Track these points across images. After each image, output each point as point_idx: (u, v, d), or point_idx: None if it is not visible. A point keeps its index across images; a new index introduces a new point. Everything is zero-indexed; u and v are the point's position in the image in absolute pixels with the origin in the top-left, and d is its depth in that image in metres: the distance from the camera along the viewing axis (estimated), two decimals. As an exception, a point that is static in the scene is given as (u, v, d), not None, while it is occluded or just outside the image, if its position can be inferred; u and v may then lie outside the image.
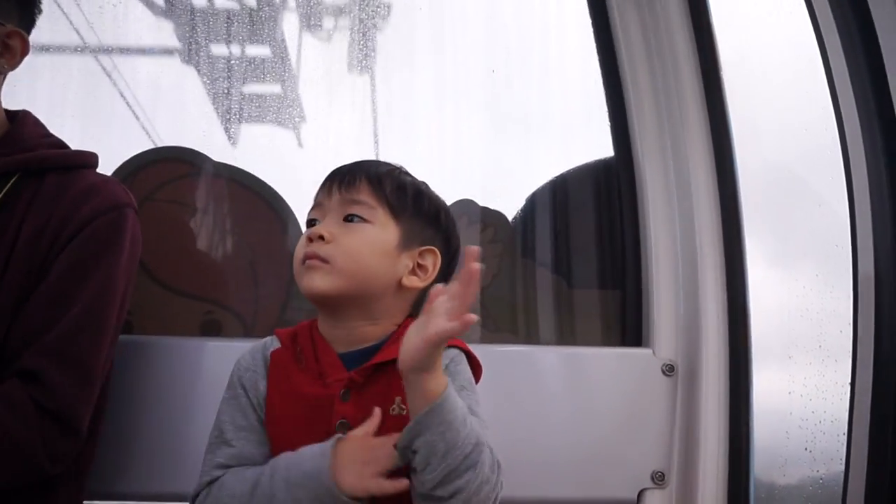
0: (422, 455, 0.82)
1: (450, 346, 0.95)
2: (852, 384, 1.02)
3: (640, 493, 1.31)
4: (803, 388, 1.19)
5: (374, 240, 0.95)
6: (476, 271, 0.80)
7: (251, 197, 1.45)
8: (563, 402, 1.31)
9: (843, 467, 1.00)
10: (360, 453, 0.85)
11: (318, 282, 0.92)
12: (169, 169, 1.43)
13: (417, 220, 0.98)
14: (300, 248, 0.95)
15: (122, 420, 1.20)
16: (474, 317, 0.79)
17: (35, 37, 1.08)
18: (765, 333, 1.32)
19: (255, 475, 0.88)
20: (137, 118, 1.47)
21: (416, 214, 0.98)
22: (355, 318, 0.95)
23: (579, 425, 1.31)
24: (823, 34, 1.03)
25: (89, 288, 1.01)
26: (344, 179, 0.97)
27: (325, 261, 0.92)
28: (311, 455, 0.86)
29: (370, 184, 0.96)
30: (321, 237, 0.93)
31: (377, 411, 0.88)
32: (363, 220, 0.95)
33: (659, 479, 1.31)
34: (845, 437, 1.01)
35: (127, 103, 1.47)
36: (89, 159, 1.12)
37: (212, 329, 1.38)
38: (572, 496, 1.29)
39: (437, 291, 0.82)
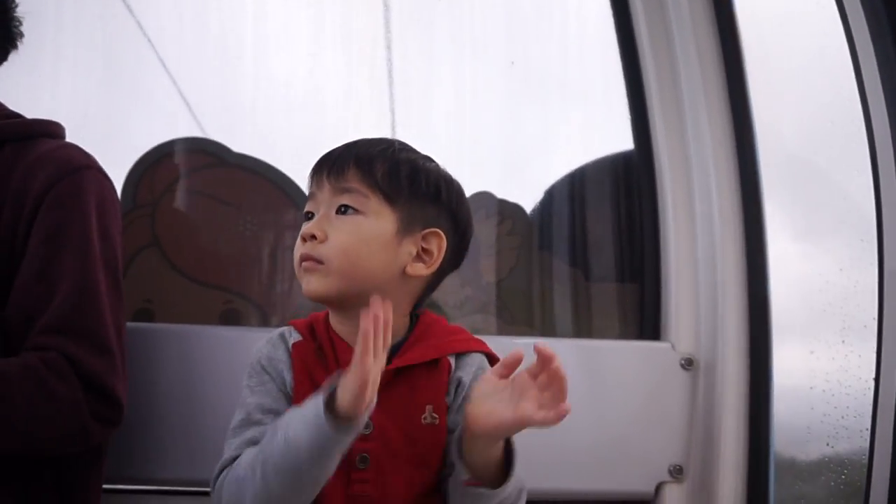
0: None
1: (474, 351, 0.92)
2: (876, 379, 1.01)
3: (658, 487, 1.31)
4: (825, 382, 1.17)
5: (369, 233, 0.88)
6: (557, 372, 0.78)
7: (270, 187, 1.45)
8: (581, 396, 1.30)
9: (866, 462, 0.99)
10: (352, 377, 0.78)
11: (314, 285, 0.87)
12: (189, 159, 1.44)
13: (415, 201, 0.90)
14: (296, 249, 0.90)
15: (142, 407, 1.21)
16: (569, 407, 0.77)
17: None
18: (788, 326, 1.30)
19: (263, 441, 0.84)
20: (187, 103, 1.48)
21: (414, 196, 0.90)
22: (340, 304, 0.90)
23: (597, 418, 1.30)
24: (850, 22, 1.00)
25: (69, 261, 0.97)
26: (333, 166, 0.89)
27: (319, 262, 0.87)
28: (310, 401, 0.80)
29: (359, 169, 0.89)
30: (314, 236, 0.88)
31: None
32: (356, 210, 0.88)
33: (677, 472, 1.30)
34: (868, 432, 1.00)
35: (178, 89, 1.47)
36: (49, 128, 1.06)
37: (231, 318, 1.39)
38: (589, 489, 1.29)
39: (523, 376, 0.79)
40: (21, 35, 1.10)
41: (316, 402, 0.78)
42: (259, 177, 1.45)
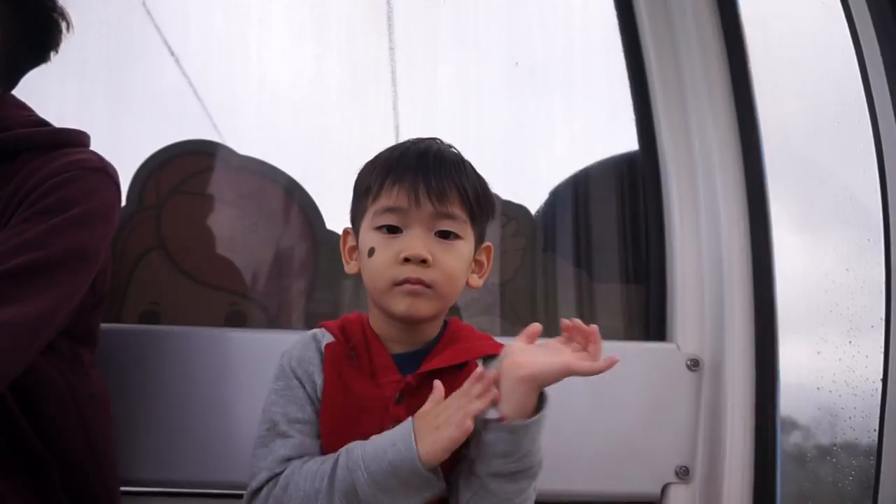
0: (503, 446, 0.83)
1: (489, 356, 0.93)
2: (884, 380, 1.00)
3: (664, 488, 1.30)
4: (832, 383, 1.17)
5: (466, 256, 0.91)
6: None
7: (276, 190, 1.46)
8: (587, 397, 1.31)
9: (874, 463, 0.98)
10: (431, 421, 0.83)
11: (423, 309, 0.88)
12: (195, 162, 1.45)
13: (485, 220, 0.95)
14: (394, 268, 0.88)
15: (148, 408, 1.22)
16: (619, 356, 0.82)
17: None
18: (795, 327, 1.30)
19: (326, 472, 0.84)
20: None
21: (486, 215, 0.95)
22: (427, 322, 0.92)
23: (602, 420, 1.30)
24: (856, 21, 1.00)
25: (36, 226, 0.91)
26: (431, 187, 0.88)
27: (429, 286, 0.88)
28: (391, 443, 0.83)
29: (460, 195, 0.90)
30: (424, 260, 0.87)
31: (439, 384, 0.86)
32: (457, 236, 0.90)
33: (683, 473, 1.30)
34: (876, 433, 0.99)
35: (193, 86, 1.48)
36: (75, 137, 1.03)
37: (237, 320, 1.40)
38: (596, 490, 1.29)
39: (554, 342, 0.85)
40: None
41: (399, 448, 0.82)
42: (264, 179, 1.46)
